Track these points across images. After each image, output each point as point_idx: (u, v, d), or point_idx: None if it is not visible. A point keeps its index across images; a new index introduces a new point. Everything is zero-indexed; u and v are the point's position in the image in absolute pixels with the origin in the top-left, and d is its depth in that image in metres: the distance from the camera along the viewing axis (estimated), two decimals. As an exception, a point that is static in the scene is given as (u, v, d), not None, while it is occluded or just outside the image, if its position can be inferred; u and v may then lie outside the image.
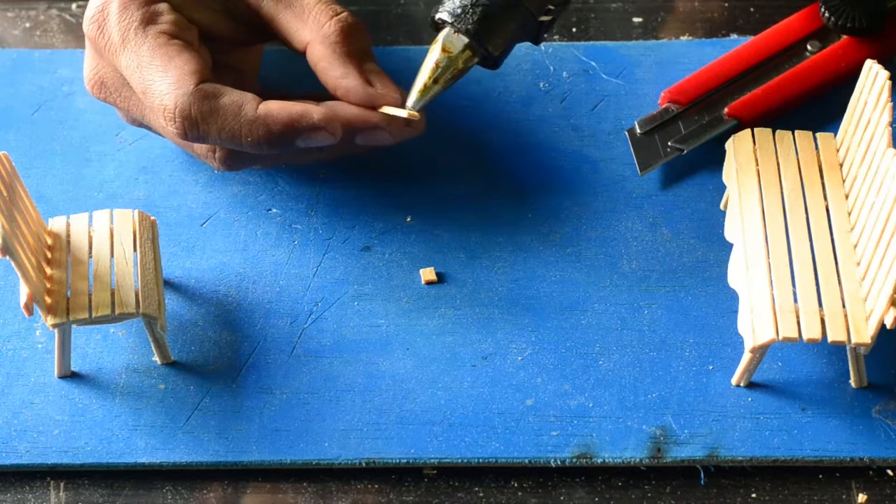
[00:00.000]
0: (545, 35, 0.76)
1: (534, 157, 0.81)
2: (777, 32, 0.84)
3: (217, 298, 0.75)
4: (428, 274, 0.76)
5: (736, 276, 0.71)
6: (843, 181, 0.74)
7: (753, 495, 0.68)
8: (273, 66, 0.84)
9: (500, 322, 0.74)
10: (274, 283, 0.76)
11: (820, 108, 0.82)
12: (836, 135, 0.76)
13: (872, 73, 0.72)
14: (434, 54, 0.73)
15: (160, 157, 0.82)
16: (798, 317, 0.68)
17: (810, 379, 0.71)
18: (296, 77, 0.80)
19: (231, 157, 0.75)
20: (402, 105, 0.73)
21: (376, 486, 0.69)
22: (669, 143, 0.80)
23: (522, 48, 0.86)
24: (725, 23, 0.90)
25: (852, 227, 0.71)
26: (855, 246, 0.70)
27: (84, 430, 0.70)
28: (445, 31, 0.73)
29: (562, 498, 0.68)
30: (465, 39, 0.72)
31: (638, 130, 0.81)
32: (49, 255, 0.71)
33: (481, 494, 0.69)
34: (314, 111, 0.71)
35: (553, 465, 0.69)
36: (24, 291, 0.68)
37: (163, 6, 0.73)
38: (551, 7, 0.74)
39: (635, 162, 0.80)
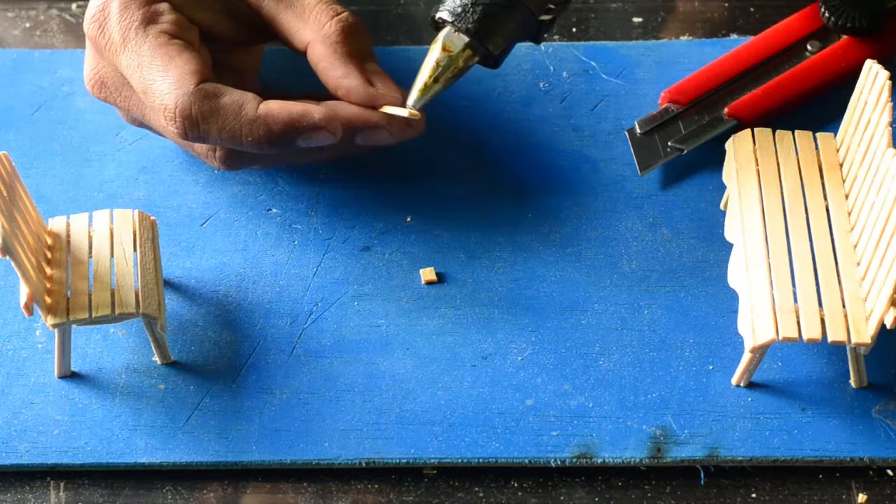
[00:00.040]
0: (545, 34, 0.76)
1: (534, 157, 0.81)
2: (777, 32, 0.84)
3: (217, 298, 0.75)
4: (428, 274, 0.76)
5: (736, 276, 0.71)
6: (843, 181, 0.74)
7: (753, 495, 0.68)
8: (273, 66, 0.84)
9: (500, 322, 0.74)
10: (274, 283, 0.76)
11: (820, 108, 0.82)
12: (836, 135, 0.76)
13: (872, 73, 0.72)
14: (434, 53, 0.73)
15: (160, 157, 0.82)
16: (798, 317, 0.68)
17: (810, 379, 0.71)
18: (296, 77, 0.80)
19: (231, 156, 0.75)
20: (403, 105, 0.73)
21: (376, 486, 0.69)
22: (669, 143, 0.80)
23: (522, 48, 0.86)
24: (725, 23, 0.90)
25: (852, 227, 0.71)
26: (855, 246, 0.70)
27: (84, 430, 0.70)
28: (446, 30, 0.73)
29: (562, 498, 0.68)
30: (466, 38, 0.72)
31: (638, 130, 0.81)
32: (49, 255, 0.71)
33: (481, 494, 0.69)
34: (315, 111, 0.71)
35: (553, 465, 0.69)
36: (24, 291, 0.68)
37: (163, 6, 0.73)
38: (552, 6, 0.74)
39: (635, 162, 0.80)
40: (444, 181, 0.80)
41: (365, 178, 0.80)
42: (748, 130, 0.76)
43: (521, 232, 0.78)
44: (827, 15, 0.83)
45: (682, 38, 0.88)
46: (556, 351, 0.72)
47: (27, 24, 0.91)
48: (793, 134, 0.76)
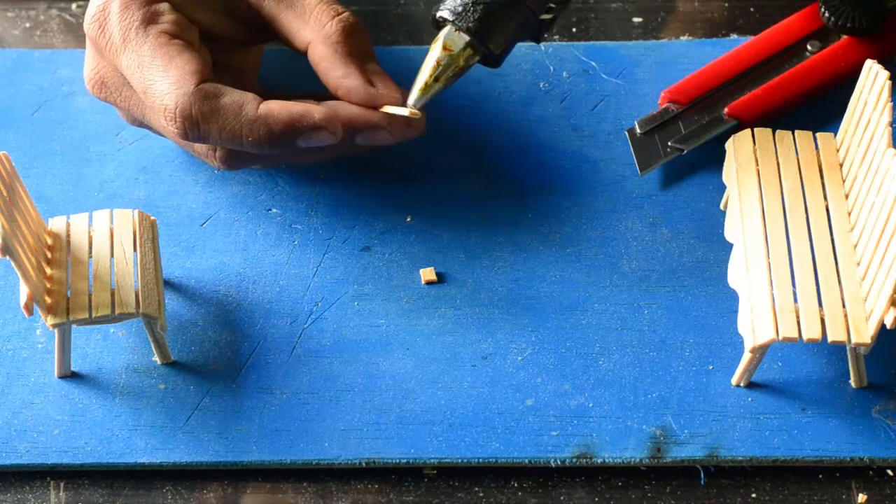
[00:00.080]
0: (546, 34, 0.76)
1: (534, 157, 0.81)
2: (777, 32, 0.84)
3: (217, 298, 0.75)
4: (428, 274, 0.76)
5: (736, 276, 0.71)
6: (843, 181, 0.74)
7: (753, 495, 0.68)
8: (273, 66, 0.84)
9: (500, 322, 0.74)
10: (274, 283, 0.76)
11: (820, 108, 0.82)
12: (836, 135, 0.76)
13: (872, 73, 0.72)
14: (435, 52, 0.73)
15: (160, 157, 0.82)
16: (798, 317, 0.68)
17: (810, 379, 0.71)
18: (296, 77, 0.80)
19: (231, 156, 0.75)
20: (404, 105, 0.73)
21: (376, 486, 0.69)
22: (669, 143, 0.80)
23: (522, 48, 0.86)
24: (725, 23, 0.90)
25: (852, 227, 0.71)
26: (855, 246, 0.70)
27: (84, 430, 0.70)
28: (446, 29, 0.73)
29: (562, 498, 0.68)
30: (467, 37, 0.72)
31: (638, 130, 0.81)
32: (49, 255, 0.71)
33: (481, 494, 0.69)
34: (315, 111, 0.71)
35: (553, 465, 0.69)
36: (24, 291, 0.68)
37: (164, 6, 0.73)
38: (552, 5, 0.74)
39: (635, 162, 0.80)
40: (444, 181, 0.80)
41: (365, 178, 0.80)
42: (748, 130, 0.76)
43: (521, 232, 0.78)
44: (827, 15, 0.83)
45: (682, 38, 0.88)
46: (556, 351, 0.72)
47: (27, 24, 0.91)
48: (793, 134, 0.76)
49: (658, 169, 0.80)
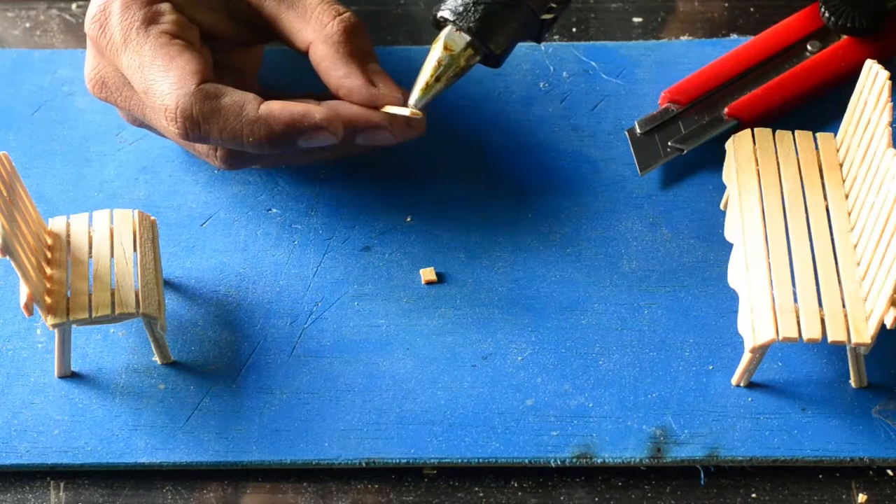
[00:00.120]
0: (547, 34, 0.76)
1: (534, 157, 0.81)
2: (777, 32, 0.84)
3: (217, 298, 0.75)
4: (428, 274, 0.76)
5: (736, 276, 0.71)
6: (843, 181, 0.74)
7: (753, 495, 0.68)
8: (273, 66, 0.84)
9: (500, 322, 0.74)
10: (274, 283, 0.76)
11: (820, 108, 0.82)
12: (836, 135, 0.76)
13: (872, 73, 0.72)
14: (436, 52, 0.73)
15: (160, 157, 0.82)
16: (798, 317, 0.68)
17: (810, 379, 0.71)
18: (296, 77, 0.80)
19: (232, 156, 0.75)
20: (404, 105, 0.73)
21: (376, 486, 0.69)
22: (669, 143, 0.80)
23: (523, 48, 0.86)
24: (725, 23, 0.90)
25: (852, 227, 0.71)
26: (855, 246, 0.70)
27: (84, 430, 0.70)
28: (447, 29, 0.73)
29: (562, 498, 0.68)
30: (467, 37, 0.72)
31: (638, 130, 0.81)
32: (49, 255, 0.71)
33: (481, 494, 0.69)
34: (316, 111, 0.71)
35: (553, 465, 0.69)
36: (24, 291, 0.68)
37: (165, 6, 0.73)
38: (553, 5, 0.74)
39: (635, 162, 0.80)
40: (444, 181, 0.80)
41: (365, 178, 0.80)
42: (748, 130, 0.76)
43: (521, 232, 0.78)
44: (827, 15, 0.83)
45: (682, 38, 0.88)
46: (556, 351, 0.72)
47: (27, 24, 0.91)
48: (793, 134, 0.76)
49: (658, 169, 0.80)
